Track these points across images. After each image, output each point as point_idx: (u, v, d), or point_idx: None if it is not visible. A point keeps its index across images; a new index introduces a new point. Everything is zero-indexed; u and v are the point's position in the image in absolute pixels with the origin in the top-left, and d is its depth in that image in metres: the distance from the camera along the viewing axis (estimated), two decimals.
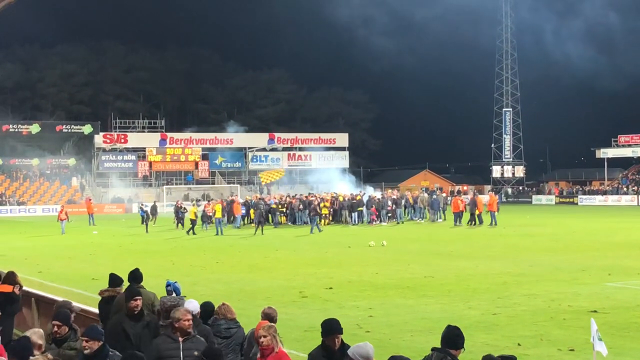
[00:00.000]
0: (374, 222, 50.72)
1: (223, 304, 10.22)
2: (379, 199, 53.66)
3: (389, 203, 52.99)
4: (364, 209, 52.25)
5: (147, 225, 48.02)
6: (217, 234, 44.11)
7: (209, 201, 55.46)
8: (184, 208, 51.05)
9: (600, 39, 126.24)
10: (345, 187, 65.27)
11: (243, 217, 52.16)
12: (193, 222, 45.71)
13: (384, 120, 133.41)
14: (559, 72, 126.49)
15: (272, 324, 8.55)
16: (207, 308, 10.44)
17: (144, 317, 9.80)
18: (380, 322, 16.33)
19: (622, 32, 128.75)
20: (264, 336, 8.22)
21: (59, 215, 48.24)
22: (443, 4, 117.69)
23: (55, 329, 9.18)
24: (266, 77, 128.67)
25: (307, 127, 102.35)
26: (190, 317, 8.79)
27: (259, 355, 8.36)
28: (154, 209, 56.08)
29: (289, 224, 52.42)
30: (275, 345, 8.12)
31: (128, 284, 11.77)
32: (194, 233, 44.49)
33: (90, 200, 63.84)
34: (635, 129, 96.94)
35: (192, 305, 9.95)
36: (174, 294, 11.57)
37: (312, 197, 54.02)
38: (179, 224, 49.41)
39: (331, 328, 7.99)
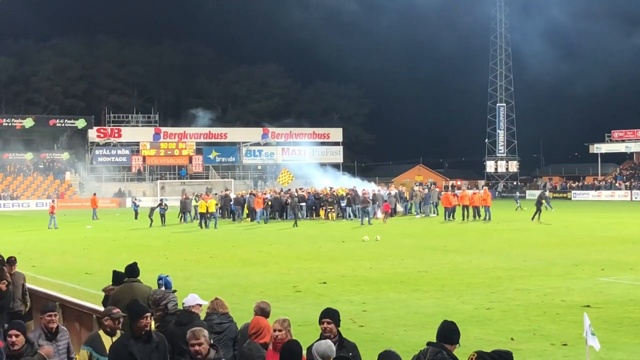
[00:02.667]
0: (386, 218, 49.13)
1: (216, 299, 10.19)
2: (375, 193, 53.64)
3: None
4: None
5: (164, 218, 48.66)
6: (214, 227, 45.12)
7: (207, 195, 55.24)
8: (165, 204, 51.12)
9: (594, 34, 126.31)
10: (327, 181, 64.93)
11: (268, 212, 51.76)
12: (203, 215, 46.16)
13: (378, 115, 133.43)
14: (553, 66, 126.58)
15: (286, 317, 8.57)
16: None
17: (153, 339, 8.37)
18: (374, 316, 16.35)
19: (616, 27, 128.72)
20: (279, 330, 8.38)
21: (51, 209, 48.14)
22: None
23: (14, 338, 8.01)
24: (260, 71, 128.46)
25: (301, 121, 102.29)
26: (202, 339, 7.70)
27: (270, 347, 8.47)
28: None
29: (278, 219, 52.36)
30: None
31: (126, 278, 11.76)
32: (206, 226, 45.28)
33: (95, 195, 64.00)
34: (628, 125, 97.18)
35: (192, 298, 9.92)
36: (163, 288, 11.56)
37: (351, 191, 54.30)
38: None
39: (322, 313, 8.29)
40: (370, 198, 49.95)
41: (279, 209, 52.75)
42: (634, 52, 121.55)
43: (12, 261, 14.47)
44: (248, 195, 54.18)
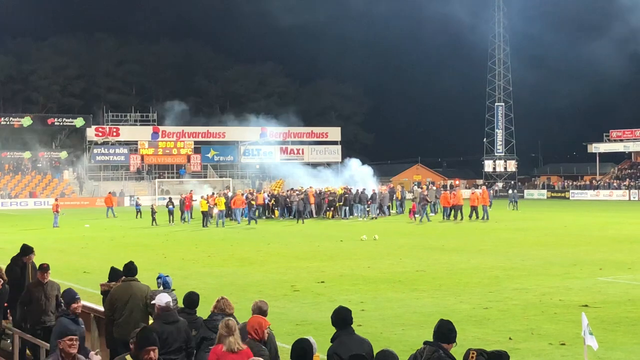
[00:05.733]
0: (415, 217, 48.25)
1: (222, 298, 10.18)
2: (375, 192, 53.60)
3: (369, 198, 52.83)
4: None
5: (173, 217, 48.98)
6: (216, 226, 45.50)
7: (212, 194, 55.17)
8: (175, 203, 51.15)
9: (592, 32, 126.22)
10: (312, 181, 64.93)
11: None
12: (205, 214, 46.45)
13: (377, 114, 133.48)
14: (551, 66, 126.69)
15: (234, 323, 8.72)
16: (191, 297, 10.53)
17: None
18: (372, 316, 16.35)
19: (614, 23, 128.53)
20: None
21: (55, 207, 48.28)
22: None
23: None
24: (259, 70, 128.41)
25: (299, 120, 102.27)
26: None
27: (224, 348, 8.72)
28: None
29: (280, 218, 52.52)
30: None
31: (124, 277, 11.77)
32: (205, 225, 45.62)
33: (110, 193, 64.32)
34: (627, 124, 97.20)
35: (164, 297, 10.06)
36: (161, 287, 11.59)
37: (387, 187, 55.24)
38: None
39: None
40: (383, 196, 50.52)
41: (285, 207, 52.93)
42: (632, 52, 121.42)
43: (44, 268, 12.76)
44: (247, 194, 54.14)
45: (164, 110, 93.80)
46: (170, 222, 48.27)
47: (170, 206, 49.31)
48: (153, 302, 10.25)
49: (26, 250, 14.63)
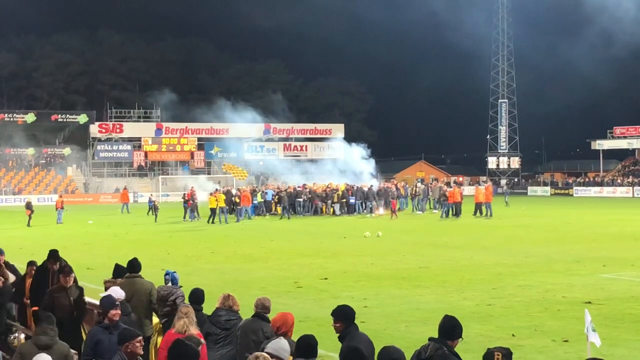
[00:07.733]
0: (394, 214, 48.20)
1: (229, 296, 10.27)
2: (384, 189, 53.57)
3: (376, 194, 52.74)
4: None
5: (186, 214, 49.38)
6: (220, 223, 45.32)
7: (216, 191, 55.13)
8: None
9: (595, 31, 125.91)
10: (299, 178, 64.91)
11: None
12: (213, 210, 46.47)
13: (380, 111, 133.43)
14: (554, 63, 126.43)
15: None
16: (197, 293, 10.65)
17: None
18: (375, 312, 16.36)
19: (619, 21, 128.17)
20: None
21: (58, 204, 48.43)
22: None
23: None
24: (262, 67, 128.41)
25: (302, 117, 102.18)
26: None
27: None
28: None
29: (284, 214, 52.53)
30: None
31: (128, 274, 11.80)
32: (212, 222, 45.60)
33: (126, 189, 64.64)
34: (630, 121, 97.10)
35: (119, 290, 10.50)
36: (169, 284, 11.62)
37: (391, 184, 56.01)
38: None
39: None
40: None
41: (291, 203, 52.86)
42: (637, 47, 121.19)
43: (66, 271, 11.82)
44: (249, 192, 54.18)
45: (149, 97, 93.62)
46: (185, 218, 48.69)
47: (150, 202, 49.71)
48: (102, 294, 10.53)
49: (50, 255, 13.53)
